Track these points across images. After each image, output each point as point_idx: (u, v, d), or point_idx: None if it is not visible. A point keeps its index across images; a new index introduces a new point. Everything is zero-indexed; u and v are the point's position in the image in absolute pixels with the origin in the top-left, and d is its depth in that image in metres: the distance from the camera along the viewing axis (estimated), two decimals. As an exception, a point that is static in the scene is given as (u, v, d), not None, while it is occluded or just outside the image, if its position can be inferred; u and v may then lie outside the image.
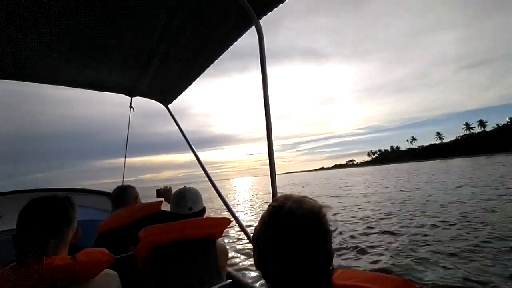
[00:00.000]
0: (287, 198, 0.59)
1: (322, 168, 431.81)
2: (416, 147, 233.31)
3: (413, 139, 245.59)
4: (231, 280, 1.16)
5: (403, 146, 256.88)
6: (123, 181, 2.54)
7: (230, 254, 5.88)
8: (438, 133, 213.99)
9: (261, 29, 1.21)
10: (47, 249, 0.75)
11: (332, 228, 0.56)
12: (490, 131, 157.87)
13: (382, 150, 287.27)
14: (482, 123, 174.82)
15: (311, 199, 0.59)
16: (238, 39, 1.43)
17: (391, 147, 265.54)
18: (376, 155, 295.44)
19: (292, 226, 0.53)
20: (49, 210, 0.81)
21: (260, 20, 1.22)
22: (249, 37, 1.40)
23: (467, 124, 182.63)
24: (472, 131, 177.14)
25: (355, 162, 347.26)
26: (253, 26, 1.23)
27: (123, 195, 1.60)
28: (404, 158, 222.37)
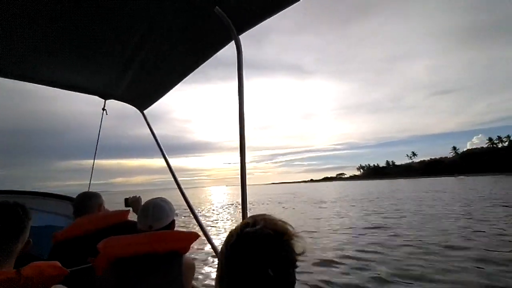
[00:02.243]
0: (252, 220, 0.58)
1: (312, 180, 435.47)
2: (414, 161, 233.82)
3: (414, 154, 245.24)
4: None
5: (397, 162, 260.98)
6: (90, 183, 2.45)
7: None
8: (454, 148, 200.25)
9: (240, 44, 1.24)
10: None
11: (298, 253, 0.55)
12: (501, 148, 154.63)
13: (371, 165, 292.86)
14: (501, 139, 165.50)
15: (279, 221, 0.58)
16: (216, 53, 1.47)
17: (387, 161, 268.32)
18: (363, 170, 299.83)
19: (246, 250, 0.53)
20: None
21: (247, 33, 1.25)
22: (232, 47, 1.37)
23: (490, 139, 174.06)
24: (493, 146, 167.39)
25: (345, 176, 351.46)
26: (233, 41, 1.26)
27: (86, 202, 1.53)
28: (404, 174, 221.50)
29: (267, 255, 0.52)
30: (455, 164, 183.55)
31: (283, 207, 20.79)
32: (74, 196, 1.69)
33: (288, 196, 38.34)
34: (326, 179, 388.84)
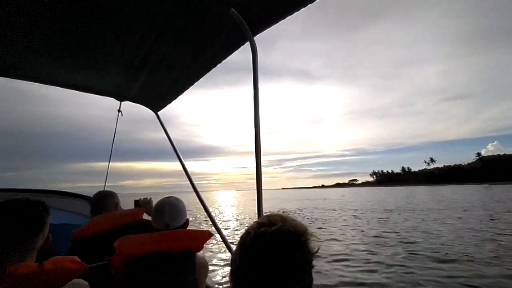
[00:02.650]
0: (269, 219, 0.57)
1: (323, 186, 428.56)
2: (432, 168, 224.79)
3: (432, 160, 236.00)
4: None
5: (414, 168, 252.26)
6: (105, 185, 2.51)
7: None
8: (478, 154, 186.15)
9: (255, 46, 1.24)
10: (13, 257, 0.73)
11: (314, 252, 0.55)
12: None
13: (384, 171, 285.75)
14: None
15: (294, 220, 0.58)
16: (231, 54, 1.46)
17: (402, 168, 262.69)
18: (377, 176, 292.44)
19: (263, 250, 0.52)
20: (20, 215, 0.78)
21: (255, 37, 1.26)
22: (243, 51, 1.40)
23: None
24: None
25: (357, 182, 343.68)
26: (247, 42, 1.26)
27: (103, 201, 1.57)
28: (422, 181, 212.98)
29: (284, 255, 0.51)
30: (477, 171, 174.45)
31: (348, 217, 15.85)
32: (90, 195, 1.72)
33: (320, 202, 33.48)
34: (338, 185, 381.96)
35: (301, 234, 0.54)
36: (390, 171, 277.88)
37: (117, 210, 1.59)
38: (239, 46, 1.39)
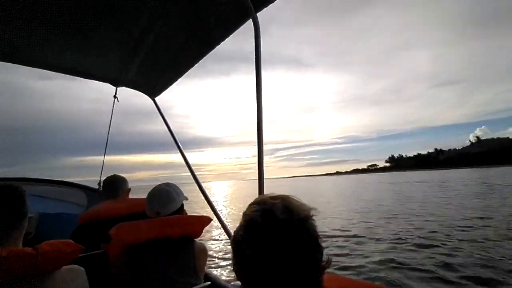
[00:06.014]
0: (272, 198, 0.55)
1: (337, 173, 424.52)
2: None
3: (478, 139, 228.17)
4: (209, 282, 1.14)
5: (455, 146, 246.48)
6: (100, 179, 2.47)
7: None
8: None
9: (258, 22, 1.19)
10: (7, 241, 0.75)
11: (320, 232, 0.53)
12: None
13: (396, 155, 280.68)
14: None
15: (298, 201, 0.55)
16: (233, 32, 1.39)
17: (435, 149, 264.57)
18: (396, 161, 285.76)
19: (276, 232, 0.49)
20: (11, 199, 0.80)
21: (244, 26, 1.23)
22: (237, 40, 1.44)
23: None
24: None
25: (377, 167, 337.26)
26: (250, 19, 1.21)
27: (118, 185, 1.57)
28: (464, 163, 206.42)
29: (309, 239, 0.50)
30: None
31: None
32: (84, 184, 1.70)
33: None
34: (356, 171, 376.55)
35: (308, 215, 0.52)
36: (403, 155, 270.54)
37: (128, 197, 1.60)
38: (240, 25, 1.31)
